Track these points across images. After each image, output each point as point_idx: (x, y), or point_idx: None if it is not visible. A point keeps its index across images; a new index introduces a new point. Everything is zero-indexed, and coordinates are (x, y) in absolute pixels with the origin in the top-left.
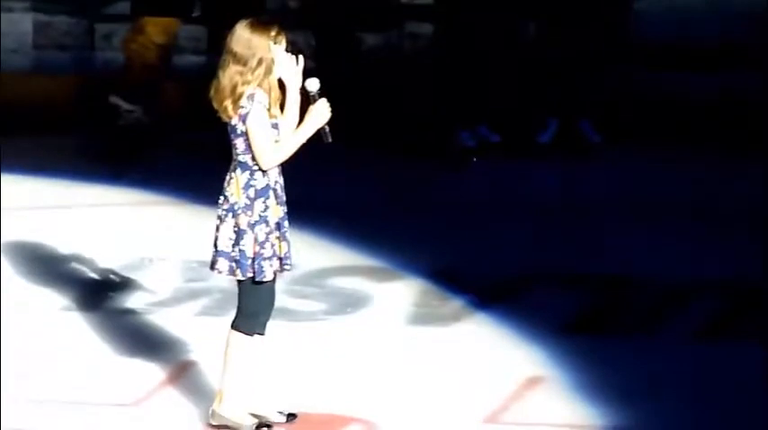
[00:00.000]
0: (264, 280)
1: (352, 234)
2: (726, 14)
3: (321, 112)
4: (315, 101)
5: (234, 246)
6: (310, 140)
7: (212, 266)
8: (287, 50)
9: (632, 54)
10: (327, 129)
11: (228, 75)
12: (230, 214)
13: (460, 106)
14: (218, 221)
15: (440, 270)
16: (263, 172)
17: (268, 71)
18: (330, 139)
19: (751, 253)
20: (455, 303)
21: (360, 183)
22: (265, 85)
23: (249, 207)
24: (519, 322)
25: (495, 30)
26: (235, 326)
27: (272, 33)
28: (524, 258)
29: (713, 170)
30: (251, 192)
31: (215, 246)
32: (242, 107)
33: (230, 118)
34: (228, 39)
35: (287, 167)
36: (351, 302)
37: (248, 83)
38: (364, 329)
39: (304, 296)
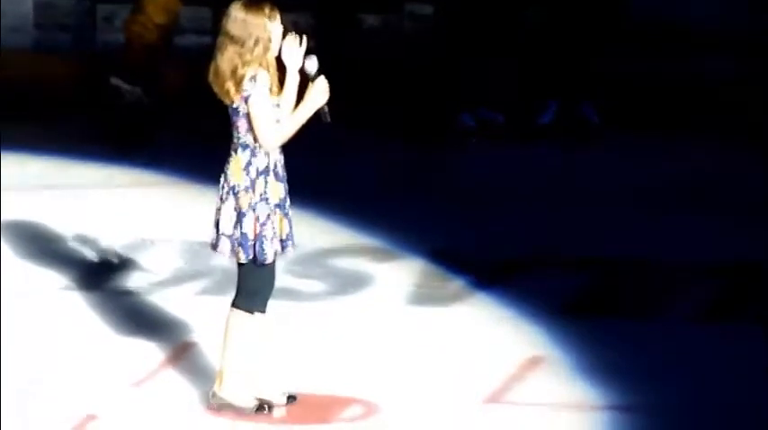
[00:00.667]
0: (266, 262)
1: (353, 214)
2: None
3: (320, 92)
4: (313, 80)
5: (235, 226)
6: (310, 121)
7: (214, 247)
8: (289, 31)
9: (633, 36)
10: (326, 109)
11: (227, 57)
12: (231, 195)
13: (461, 87)
14: (219, 202)
15: (440, 250)
16: (265, 152)
17: (265, 49)
18: (329, 119)
19: (752, 236)
20: (455, 284)
21: (361, 163)
22: (264, 63)
23: (250, 187)
24: (519, 303)
25: (495, 11)
26: (235, 304)
27: (267, 11)
28: (524, 239)
29: (713, 153)
30: (252, 173)
31: (216, 227)
32: (244, 89)
33: (232, 101)
34: (224, 21)
35: (289, 147)
36: (352, 282)
37: (248, 63)
38: (365, 309)
39: (305, 276)
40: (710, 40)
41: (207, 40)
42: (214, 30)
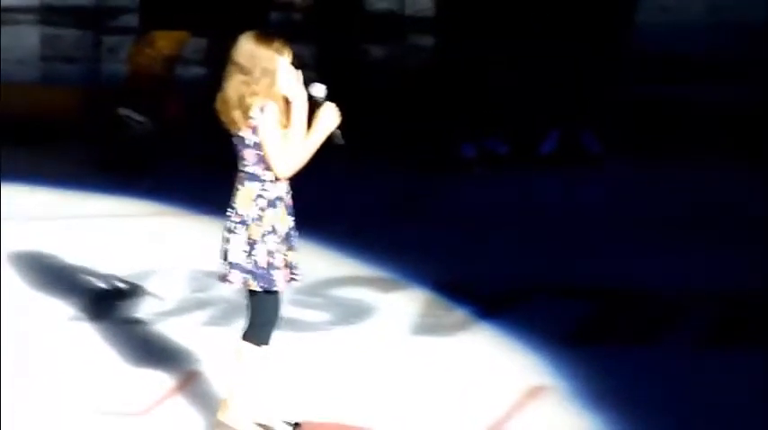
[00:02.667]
0: (276, 289)
1: (357, 245)
2: (726, 27)
3: (329, 116)
4: (321, 107)
5: (248, 257)
6: (324, 146)
7: (224, 278)
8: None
9: (633, 65)
10: (338, 131)
11: (234, 86)
12: (242, 226)
13: (462, 118)
14: (227, 234)
15: (444, 280)
16: (274, 183)
17: (272, 82)
18: (343, 141)
19: (751, 263)
20: (459, 313)
21: (364, 194)
22: (271, 95)
23: (260, 218)
24: (522, 332)
25: (496, 42)
26: (245, 336)
27: (276, 45)
28: (527, 269)
29: (713, 181)
30: (262, 203)
31: (226, 258)
32: (252, 119)
33: (239, 130)
34: (233, 51)
35: (293, 178)
36: (355, 312)
37: (255, 94)
38: (369, 339)
39: (309, 306)
40: (713, 68)
41: (209, 71)
42: (207, 60)
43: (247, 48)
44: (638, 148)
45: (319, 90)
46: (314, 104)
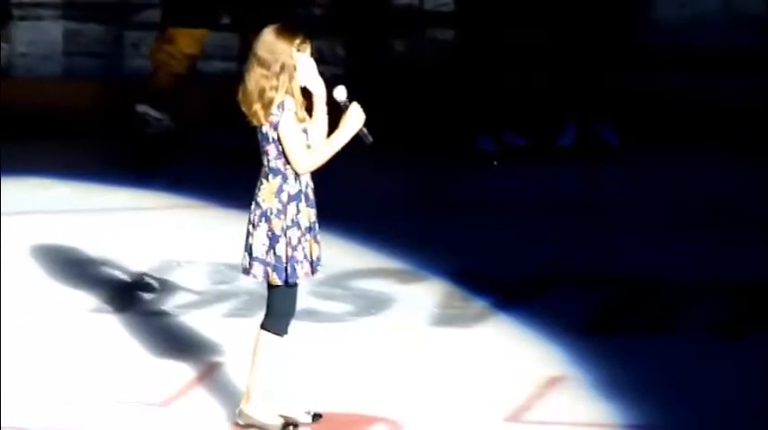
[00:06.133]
0: (297, 282)
1: (376, 236)
2: (741, 19)
3: (356, 117)
4: (346, 108)
5: (269, 251)
6: (351, 143)
7: (246, 272)
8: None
9: (649, 58)
10: (366, 130)
11: (254, 78)
12: (264, 220)
13: (480, 111)
14: (250, 227)
15: (462, 271)
16: (296, 177)
17: (290, 77)
18: (371, 140)
19: (764, 253)
20: (477, 304)
21: (383, 185)
22: (290, 90)
23: (282, 211)
24: (540, 322)
25: (513, 36)
26: (264, 326)
27: (297, 41)
28: (545, 259)
29: (728, 172)
30: (284, 197)
31: (249, 252)
32: (273, 115)
33: (261, 124)
34: (254, 43)
35: (314, 170)
36: (375, 304)
37: (275, 88)
38: (388, 330)
39: (329, 297)
40: (727, 61)
41: (232, 66)
42: (239, 56)
43: (268, 41)
44: (655, 141)
45: (341, 93)
46: (336, 107)
